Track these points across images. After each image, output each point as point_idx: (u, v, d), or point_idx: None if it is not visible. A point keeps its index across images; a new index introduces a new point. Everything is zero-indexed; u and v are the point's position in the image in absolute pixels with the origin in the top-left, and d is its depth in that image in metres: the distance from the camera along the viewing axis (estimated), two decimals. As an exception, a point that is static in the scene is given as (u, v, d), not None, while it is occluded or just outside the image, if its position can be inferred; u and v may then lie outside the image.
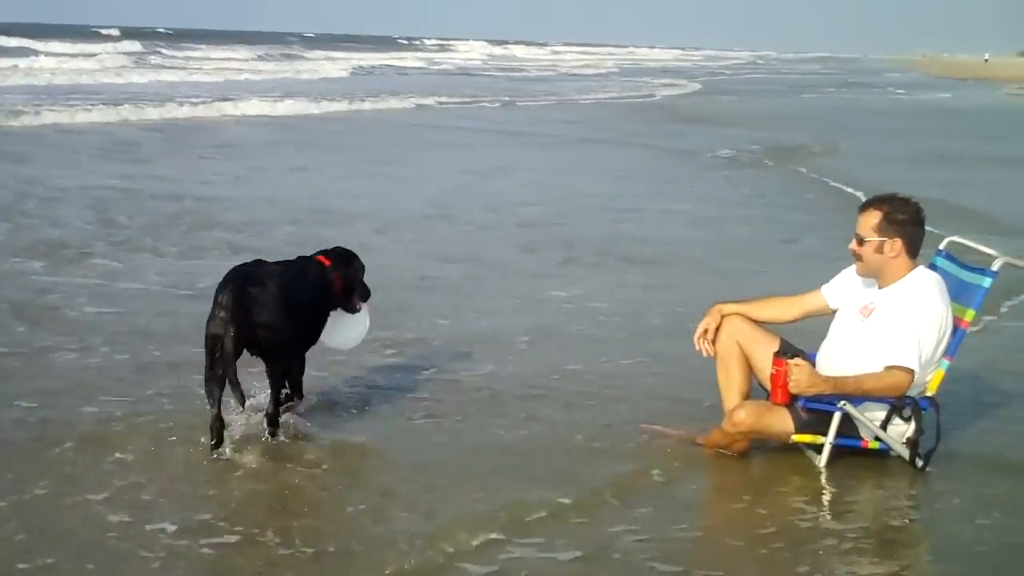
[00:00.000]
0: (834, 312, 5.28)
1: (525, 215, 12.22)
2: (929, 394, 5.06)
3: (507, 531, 4.42)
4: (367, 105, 28.44)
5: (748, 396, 5.27)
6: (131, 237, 10.14)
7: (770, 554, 4.35)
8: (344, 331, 5.85)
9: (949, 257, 5.42)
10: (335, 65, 51.89)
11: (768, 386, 5.09)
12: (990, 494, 4.93)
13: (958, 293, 5.15)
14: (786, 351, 5.10)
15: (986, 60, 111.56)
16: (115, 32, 78.12)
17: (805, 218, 12.49)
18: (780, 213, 12.92)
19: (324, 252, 5.75)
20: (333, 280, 5.65)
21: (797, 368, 4.89)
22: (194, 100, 25.53)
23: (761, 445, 5.25)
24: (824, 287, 5.35)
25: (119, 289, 8.19)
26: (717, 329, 5.32)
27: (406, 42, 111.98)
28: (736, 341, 5.28)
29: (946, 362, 5.06)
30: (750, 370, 5.29)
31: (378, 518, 4.55)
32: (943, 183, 14.56)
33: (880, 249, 4.97)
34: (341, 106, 27.54)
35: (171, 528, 4.37)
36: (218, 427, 5.08)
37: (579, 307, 8.07)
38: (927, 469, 5.06)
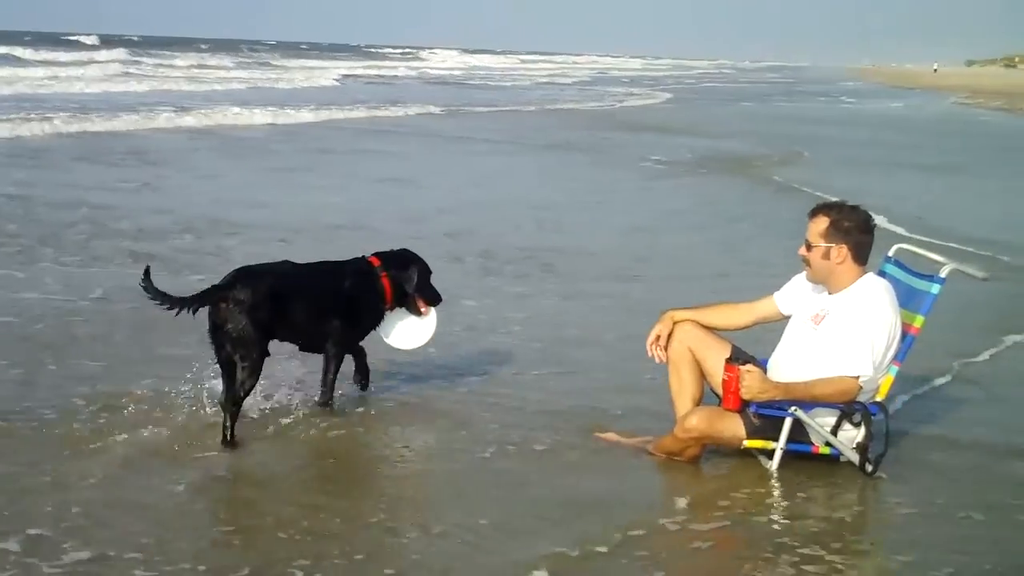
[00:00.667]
0: (786, 319, 5.19)
1: (445, 224, 11.61)
2: (879, 399, 4.99)
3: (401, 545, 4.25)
4: (338, 114, 27.41)
5: (700, 402, 5.18)
6: (29, 246, 9.58)
7: (718, 560, 4.26)
8: (406, 333, 5.91)
9: (898, 264, 5.37)
10: (323, 74, 50.63)
11: (720, 392, 5.00)
12: (937, 497, 4.86)
13: (907, 299, 5.10)
14: (738, 357, 5.00)
15: (935, 70, 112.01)
16: (94, 40, 76.59)
17: (749, 228, 12.25)
18: (724, 222, 12.69)
19: (380, 253, 5.82)
20: (379, 279, 5.68)
21: (749, 374, 4.80)
22: (159, 110, 24.34)
23: (713, 451, 5.15)
24: (776, 293, 5.27)
25: (16, 299, 7.76)
26: (669, 335, 5.23)
27: (374, 51, 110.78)
28: (688, 347, 5.19)
29: (895, 368, 5.00)
30: (702, 376, 5.20)
31: (251, 539, 4.26)
32: (896, 191, 14.60)
33: (827, 255, 4.91)
34: (304, 115, 26.36)
35: (15, 547, 4.06)
36: (225, 414, 5.21)
37: (493, 317, 7.74)
38: (877, 474, 4.98)
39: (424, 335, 5.94)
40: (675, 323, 5.24)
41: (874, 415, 4.94)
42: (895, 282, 5.15)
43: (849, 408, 4.88)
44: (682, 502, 4.77)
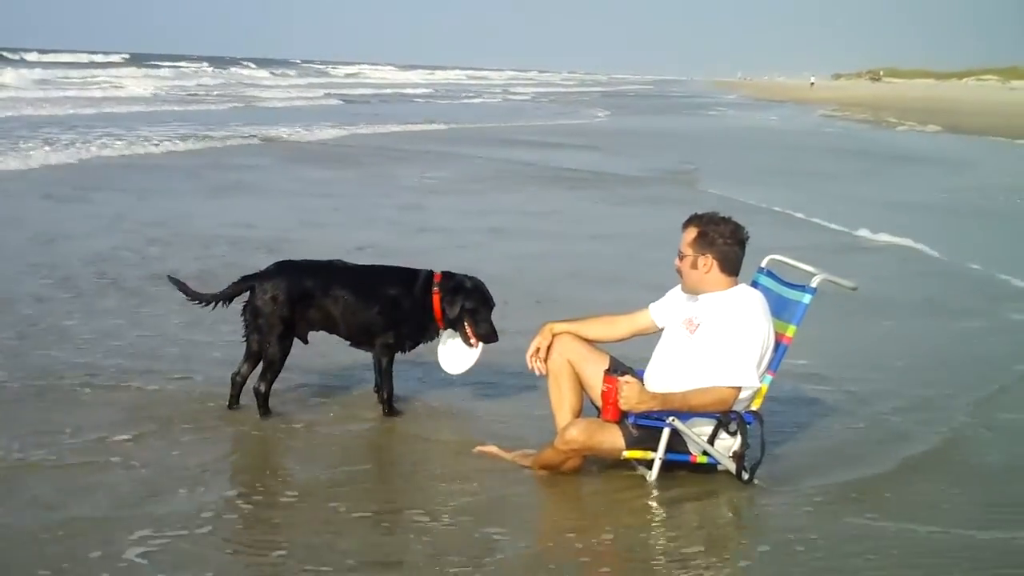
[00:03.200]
0: (662, 330, 4.93)
1: (90, 246, 9.89)
2: (754, 408, 4.77)
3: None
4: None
5: (580, 414, 4.90)
6: None
7: (599, 569, 4.00)
8: (448, 355, 5.73)
9: (770, 274, 5.15)
10: (301, 92, 48.47)
11: (599, 403, 4.74)
12: (811, 504, 4.63)
13: (779, 309, 4.87)
14: (616, 368, 4.76)
15: (812, 84, 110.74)
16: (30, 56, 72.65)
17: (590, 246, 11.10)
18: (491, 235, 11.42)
19: (447, 272, 5.62)
20: (430, 295, 5.51)
21: (627, 385, 4.54)
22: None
23: (593, 463, 4.85)
24: (652, 305, 5.02)
25: None
26: (549, 348, 4.94)
27: (315, 67, 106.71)
28: (567, 359, 4.91)
29: (769, 377, 4.78)
30: (581, 388, 4.92)
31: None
32: (776, 199, 14.47)
33: (695, 264, 4.71)
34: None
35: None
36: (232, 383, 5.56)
37: (95, 335, 6.77)
38: (753, 481, 4.75)
39: (462, 365, 5.70)
40: (554, 335, 4.96)
41: (749, 424, 4.71)
42: (767, 292, 4.93)
43: (725, 418, 4.66)
44: (563, 513, 4.49)
